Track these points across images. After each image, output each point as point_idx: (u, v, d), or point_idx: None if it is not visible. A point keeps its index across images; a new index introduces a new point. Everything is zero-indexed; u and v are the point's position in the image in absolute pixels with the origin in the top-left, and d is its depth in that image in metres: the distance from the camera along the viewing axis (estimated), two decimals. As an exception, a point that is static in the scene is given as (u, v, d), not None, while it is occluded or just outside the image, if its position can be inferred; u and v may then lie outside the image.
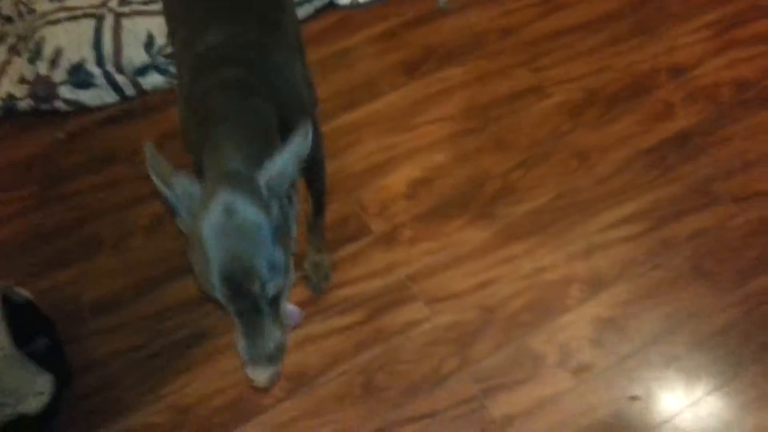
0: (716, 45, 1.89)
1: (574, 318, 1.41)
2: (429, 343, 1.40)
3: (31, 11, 2.02)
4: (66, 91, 1.93)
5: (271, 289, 0.87)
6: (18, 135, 1.94)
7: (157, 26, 1.95)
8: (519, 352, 1.38)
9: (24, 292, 1.39)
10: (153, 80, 1.99)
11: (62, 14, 1.96)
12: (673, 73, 1.85)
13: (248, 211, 0.85)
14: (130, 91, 1.99)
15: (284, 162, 0.88)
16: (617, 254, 1.50)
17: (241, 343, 0.92)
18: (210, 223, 0.85)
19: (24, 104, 1.97)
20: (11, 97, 1.97)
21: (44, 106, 1.96)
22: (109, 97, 1.98)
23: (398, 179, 1.69)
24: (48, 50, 1.92)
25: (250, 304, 0.87)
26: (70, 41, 1.92)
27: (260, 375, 0.92)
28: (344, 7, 2.21)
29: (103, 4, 2.00)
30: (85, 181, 1.81)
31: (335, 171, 1.72)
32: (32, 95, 1.94)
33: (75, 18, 1.96)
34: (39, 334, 1.36)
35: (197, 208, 0.87)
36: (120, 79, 1.95)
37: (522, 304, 1.44)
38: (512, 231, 1.57)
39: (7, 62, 2.09)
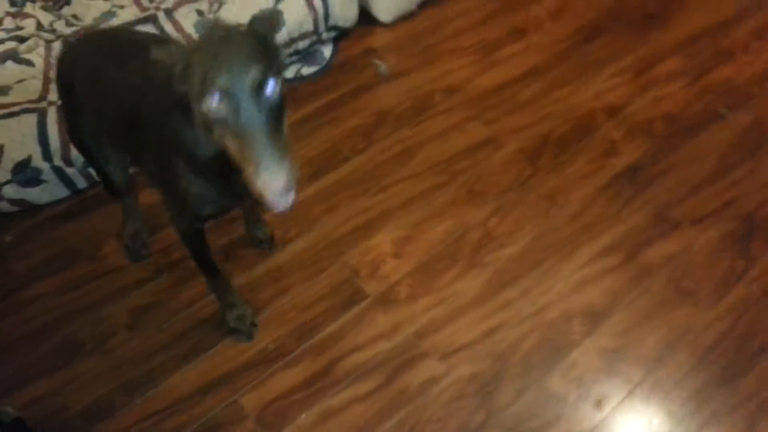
0: (639, 85, 2.09)
1: (582, 352, 1.46)
2: (452, 398, 1.40)
3: (-40, 111, 1.89)
4: (11, 191, 1.80)
5: (270, 88, 0.89)
6: (-40, 243, 1.78)
7: (106, 114, 1.88)
8: (540, 394, 1.40)
9: (10, 410, 1.26)
10: (105, 170, 1.90)
11: (-2, 112, 1.85)
12: (608, 113, 2.01)
13: (246, 37, 0.93)
14: (81, 183, 1.89)
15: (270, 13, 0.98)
16: (605, 285, 1.58)
17: (247, 158, 0.88)
18: (213, 38, 0.93)
19: (-37, 209, 1.82)
20: (-53, 203, 1.82)
21: (-13, 210, 1.82)
22: (60, 192, 1.87)
23: (382, 240, 1.71)
24: (-14, 150, 1.79)
25: (251, 105, 0.87)
26: (12, 139, 1.81)
27: (274, 182, 0.86)
28: (289, 82, 2.24)
29: (43, 98, 1.91)
30: (46, 284, 1.67)
31: (318, 240, 1.71)
32: (-28, 199, 1.80)
33: (14, 114, 1.85)
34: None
35: (197, 44, 0.95)
36: (70, 171, 1.86)
37: (531, 346, 1.48)
38: (503, 276, 1.61)
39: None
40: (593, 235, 1.68)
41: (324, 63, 2.31)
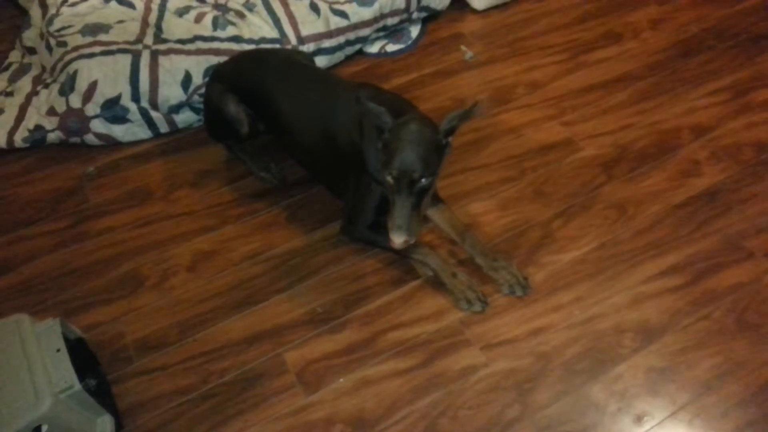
0: (733, 108, 2.00)
1: (629, 367, 1.43)
2: (488, 389, 1.40)
3: (62, 44, 2.00)
4: (99, 125, 1.90)
5: (422, 183, 1.33)
6: (46, 167, 1.90)
7: (195, 65, 1.95)
8: (579, 401, 1.38)
9: (75, 329, 1.33)
10: (187, 118, 1.98)
11: (97, 48, 1.95)
12: (695, 132, 1.94)
13: (427, 131, 1.35)
14: (164, 127, 1.97)
15: (455, 116, 1.35)
16: (663, 304, 1.54)
17: (389, 217, 1.35)
18: (403, 133, 1.33)
19: (53, 136, 1.93)
20: (39, 128, 1.93)
21: (74, 139, 1.92)
22: (143, 133, 1.95)
23: (442, 225, 1.70)
24: (81, 83, 1.89)
25: (406, 188, 1.32)
26: (106, 76, 1.90)
27: (397, 238, 1.33)
28: (372, 56, 2.26)
29: (139, 41, 1.99)
30: (118, 217, 1.77)
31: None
32: (62, 127, 1.90)
33: (110, 53, 1.94)
34: (87, 373, 1.30)
35: (397, 126, 1.35)
36: (155, 115, 1.94)
37: (576, 353, 1.45)
38: (558, 279, 1.59)
39: (33, 93, 2.06)
40: (659, 253, 1.63)
41: (409, 42, 2.31)
